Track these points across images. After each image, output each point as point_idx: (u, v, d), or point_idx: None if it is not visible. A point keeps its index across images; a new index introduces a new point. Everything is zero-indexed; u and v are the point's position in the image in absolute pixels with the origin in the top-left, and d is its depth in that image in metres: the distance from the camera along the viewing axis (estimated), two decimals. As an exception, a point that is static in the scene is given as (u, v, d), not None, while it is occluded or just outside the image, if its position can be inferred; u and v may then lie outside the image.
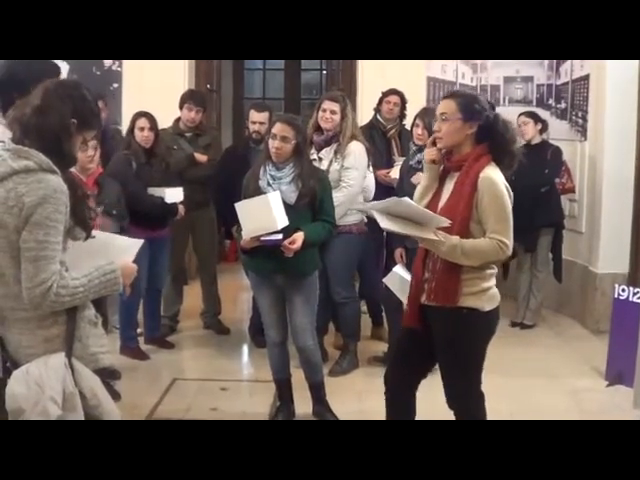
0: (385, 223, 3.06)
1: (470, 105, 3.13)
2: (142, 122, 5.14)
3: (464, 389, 3.22)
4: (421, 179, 3.34)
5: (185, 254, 6.06)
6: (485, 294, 3.13)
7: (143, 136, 5.13)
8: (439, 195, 3.21)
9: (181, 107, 5.69)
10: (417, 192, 3.30)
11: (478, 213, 3.07)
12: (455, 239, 3.03)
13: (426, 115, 4.60)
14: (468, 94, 3.30)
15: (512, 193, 3.14)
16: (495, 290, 3.18)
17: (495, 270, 3.21)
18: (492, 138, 3.14)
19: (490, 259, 3.10)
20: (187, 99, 5.70)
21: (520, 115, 6.05)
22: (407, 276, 3.58)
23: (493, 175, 3.09)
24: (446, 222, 3.03)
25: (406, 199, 3.05)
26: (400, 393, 3.36)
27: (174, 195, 5.18)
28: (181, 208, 5.27)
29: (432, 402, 3.35)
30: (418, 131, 4.70)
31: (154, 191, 5.12)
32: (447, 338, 3.16)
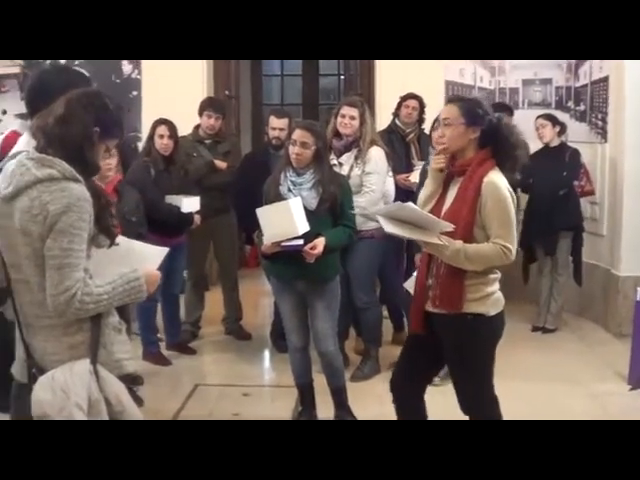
0: (390, 228, 3.07)
1: (473, 110, 3.13)
2: (162, 130, 5.18)
3: (476, 394, 3.22)
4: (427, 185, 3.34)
5: (206, 260, 6.09)
6: (489, 299, 3.13)
7: (162, 144, 5.17)
8: (443, 200, 3.21)
9: (200, 114, 5.72)
10: (421, 198, 3.30)
11: (481, 218, 3.07)
12: (459, 244, 3.03)
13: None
14: (471, 99, 3.29)
15: (515, 196, 3.14)
16: (499, 294, 3.18)
17: (498, 275, 3.20)
18: (496, 142, 3.13)
19: (494, 264, 3.10)
20: (206, 106, 5.73)
21: (538, 118, 6.03)
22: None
23: (497, 180, 3.08)
24: (450, 227, 3.03)
25: (410, 204, 3.07)
26: (409, 399, 3.36)
27: (191, 204, 5.19)
28: (197, 217, 5.29)
29: (443, 408, 3.35)
30: (437, 135, 4.70)
31: (171, 199, 5.14)
32: (454, 344, 3.17)
